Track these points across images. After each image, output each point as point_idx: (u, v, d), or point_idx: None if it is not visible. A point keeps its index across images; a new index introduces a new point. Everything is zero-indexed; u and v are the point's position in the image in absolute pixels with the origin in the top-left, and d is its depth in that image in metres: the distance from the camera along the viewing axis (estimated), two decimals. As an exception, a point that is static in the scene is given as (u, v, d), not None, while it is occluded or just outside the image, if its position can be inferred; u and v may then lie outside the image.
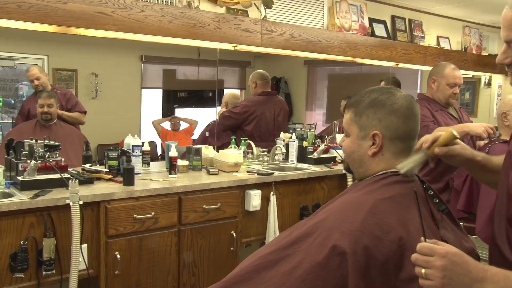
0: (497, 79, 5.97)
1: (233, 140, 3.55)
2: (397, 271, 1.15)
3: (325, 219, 1.24)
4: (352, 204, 1.25)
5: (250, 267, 1.23)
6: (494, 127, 2.91)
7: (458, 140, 1.37)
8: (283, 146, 3.69)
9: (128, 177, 2.64)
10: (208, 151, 3.40)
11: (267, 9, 3.68)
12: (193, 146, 3.28)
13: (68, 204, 2.25)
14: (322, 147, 3.75)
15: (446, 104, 3.15)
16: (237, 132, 4.00)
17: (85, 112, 3.84)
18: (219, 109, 4.12)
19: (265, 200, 3.10)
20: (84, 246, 2.40)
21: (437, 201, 1.38)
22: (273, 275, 1.19)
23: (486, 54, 5.73)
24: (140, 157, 2.96)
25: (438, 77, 3.12)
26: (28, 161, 2.47)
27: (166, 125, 4.97)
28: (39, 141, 2.56)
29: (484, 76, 5.92)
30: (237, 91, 4.90)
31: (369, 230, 1.16)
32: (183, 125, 5.06)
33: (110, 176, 2.77)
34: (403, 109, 1.34)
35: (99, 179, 2.74)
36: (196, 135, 4.91)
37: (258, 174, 3.13)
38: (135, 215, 2.53)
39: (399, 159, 1.35)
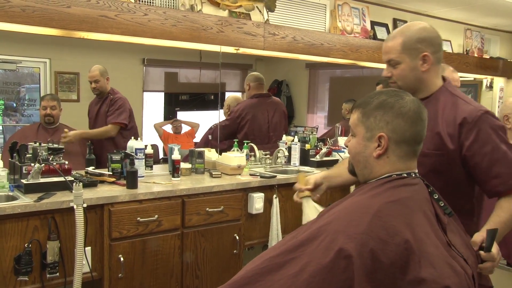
0: (499, 81, 5.98)
1: (235, 143, 3.56)
2: (403, 274, 1.15)
3: (330, 222, 1.25)
4: (358, 207, 1.26)
5: (256, 269, 1.23)
6: None
7: (324, 177, 1.97)
8: (286, 149, 3.69)
9: (131, 180, 2.64)
10: (210, 154, 3.41)
11: (269, 13, 3.70)
12: (196, 149, 3.28)
13: (72, 207, 2.25)
14: (324, 150, 3.76)
15: None
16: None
17: (123, 125, 3.62)
18: (221, 112, 4.13)
19: (268, 203, 3.10)
20: (88, 249, 2.40)
21: (442, 204, 1.38)
22: (279, 278, 1.19)
23: (488, 57, 5.74)
24: (143, 160, 2.97)
25: None
26: (32, 164, 2.47)
27: (168, 128, 4.98)
28: (42, 144, 2.57)
29: (485, 79, 5.93)
30: (239, 94, 4.91)
31: (375, 234, 1.16)
32: (185, 128, 5.08)
33: (113, 179, 2.78)
34: (411, 113, 1.34)
35: (102, 182, 2.74)
36: (197, 138, 4.92)
37: (261, 177, 3.14)
38: (138, 218, 2.53)
39: (404, 162, 1.35)
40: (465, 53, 5.46)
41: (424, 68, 1.72)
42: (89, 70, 3.73)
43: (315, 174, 1.98)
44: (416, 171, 1.38)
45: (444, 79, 1.80)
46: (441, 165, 1.67)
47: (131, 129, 3.69)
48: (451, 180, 1.68)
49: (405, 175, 1.35)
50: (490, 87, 5.95)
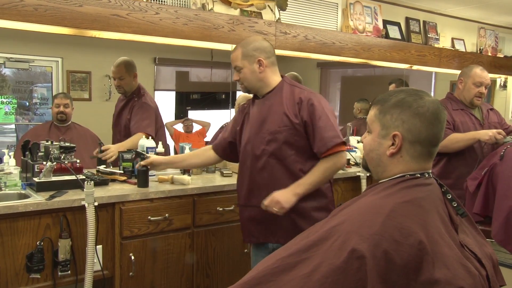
0: (513, 81, 5.90)
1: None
2: (416, 275, 1.13)
3: (343, 222, 1.23)
4: (371, 207, 1.24)
5: (267, 269, 1.22)
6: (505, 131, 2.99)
7: (166, 162, 2.64)
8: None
9: (142, 178, 2.65)
10: (221, 153, 3.39)
11: (281, 11, 3.68)
12: (207, 148, 3.27)
13: (84, 206, 2.26)
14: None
15: (471, 104, 3.20)
16: None
17: (147, 135, 3.15)
18: (232, 111, 4.12)
19: (279, 203, 3.08)
20: (99, 247, 2.41)
21: (455, 204, 1.36)
22: (291, 278, 1.18)
23: (502, 56, 5.66)
24: (154, 159, 2.96)
25: (465, 77, 3.21)
26: (44, 163, 2.49)
27: (179, 127, 4.99)
28: (54, 143, 2.58)
29: (499, 78, 5.86)
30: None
31: (388, 234, 1.15)
32: (196, 127, 5.08)
33: (124, 178, 2.78)
34: (429, 113, 1.31)
35: (113, 180, 2.75)
36: (208, 137, 4.93)
37: (272, 176, 3.12)
38: (149, 217, 2.54)
39: (418, 163, 1.33)
40: (478, 52, 5.40)
41: (260, 70, 2.26)
42: (113, 64, 3.37)
43: (160, 157, 2.62)
44: (430, 171, 1.36)
45: (282, 76, 2.34)
46: (291, 137, 2.18)
47: (156, 135, 3.36)
48: (300, 148, 2.19)
49: (419, 175, 1.33)
50: (504, 86, 5.88)
